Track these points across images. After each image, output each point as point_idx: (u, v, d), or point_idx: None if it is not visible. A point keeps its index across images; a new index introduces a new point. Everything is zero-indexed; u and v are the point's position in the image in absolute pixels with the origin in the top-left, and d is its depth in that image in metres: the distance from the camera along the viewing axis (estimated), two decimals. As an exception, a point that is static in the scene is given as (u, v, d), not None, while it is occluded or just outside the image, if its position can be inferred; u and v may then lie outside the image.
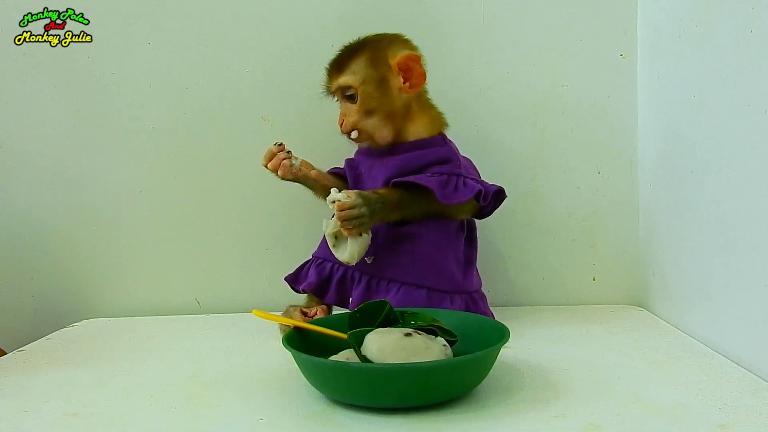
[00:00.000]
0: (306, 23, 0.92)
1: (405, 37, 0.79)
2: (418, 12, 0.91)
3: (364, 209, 0.70)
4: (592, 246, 0.93)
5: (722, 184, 0.68)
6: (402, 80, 0.77)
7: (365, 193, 0.72)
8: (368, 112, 0.77)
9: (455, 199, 0.73)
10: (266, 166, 0.78)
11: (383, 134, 0.78)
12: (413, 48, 0.79)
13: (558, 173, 0.93)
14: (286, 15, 0.92)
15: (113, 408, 0.57)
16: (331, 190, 0.72)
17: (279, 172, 0.78)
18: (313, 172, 0.80)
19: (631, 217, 0.92)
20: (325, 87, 0.80)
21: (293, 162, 0.78)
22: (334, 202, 0.71)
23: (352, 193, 0.71)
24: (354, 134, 0.78)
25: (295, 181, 0.80)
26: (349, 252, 0.73)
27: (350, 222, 0.70)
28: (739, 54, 0.64)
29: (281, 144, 0.79)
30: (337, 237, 0.74)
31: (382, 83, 0.76)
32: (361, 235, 0.72)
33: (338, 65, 0.78)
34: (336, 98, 0.80)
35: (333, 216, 0.72)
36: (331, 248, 0.75)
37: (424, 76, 0.77)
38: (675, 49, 0.80)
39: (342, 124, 0.78)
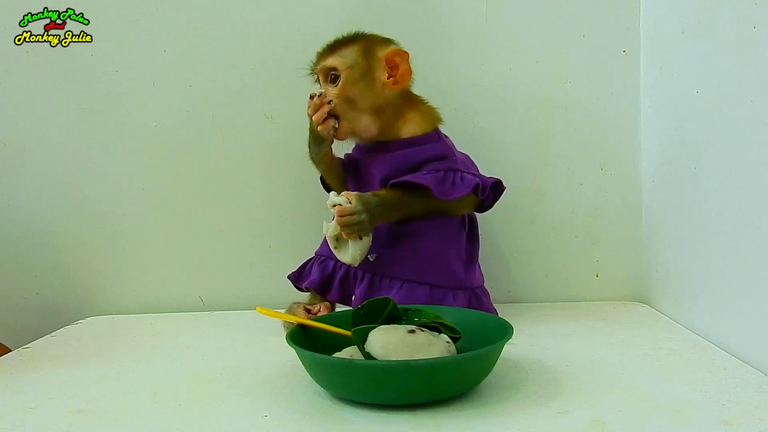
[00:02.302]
0: (309, 20, 0.92)
1: (398, 43, 0.79)
2: (421, 9, 0.91)
3: (363, 215, 0.71)
4: (595, 242, 0.93)
5: (725, 180, 0.68)
6: (387, 75, 0.77)
7: (365, 196, 0.72)
8: (347, 101, 0.76)
9: (453, 195, 0.73)
10: (311, 117, 0.76)
11: (364, 127, 0.77)
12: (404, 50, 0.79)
13: (560, 170, 0.93)
14: (289, 12, 0.92)
15: (118, 405, 0.58)
16: (330, 193, 0.73)
17: (320, 128, 0.76)
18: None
19: (634, 214, 0.92)
20: (311, 67, 0.80)
21: (334, 124, 0.76)
22: (334, 205, 0.71)
23: (352, 196, 0.71)
24: (333, 122, 0.76)
25: (318, 144, 0.78)
26: (351, 254, 0.73)
27: (350, 227, 0.71)
28: (743, 50, 0.64)
29: (330, 101, 0.76)
30: (338, 239, 0.74)
31: (367, 74, 0.77)
32: (361, 238, 0.72)
33: (329, 48, 0.78)
34: (317, 80, 0.80)
35: (333, 218, 0.72)
36: (332, 250, 0.75)
37: (409, 73, 0.78)
38: (678, 46, 0.80)
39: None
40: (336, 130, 0.77)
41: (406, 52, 0.77)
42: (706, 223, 0.72)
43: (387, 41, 0.79)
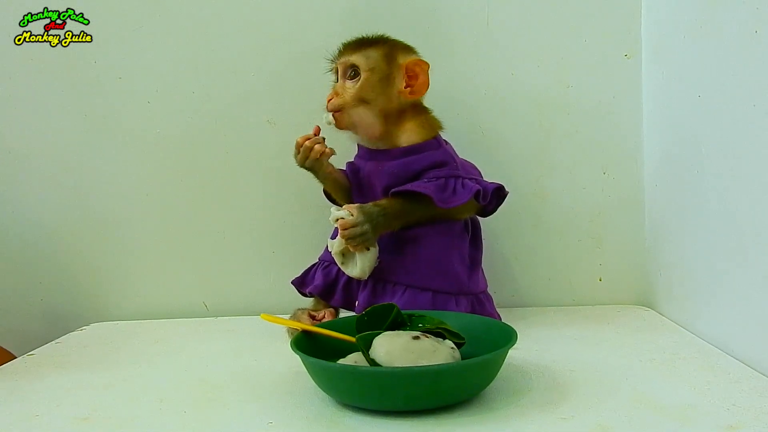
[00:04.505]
0: (311, 27, 0.92)
1: (418, 52, 0.80)
2: (424, 14, 0.92)
3: (366, 226, 0.71)
4: (598, 246, 0.93)
5: (728, 183, 0.68)
6: (404, 84, 0.77)
7: (366, 207, 0.73)
8: (362, 101, 0.77)
9: (453, 202, 0.73)
10: (304, 144, 0.77)
11: (367, 126, 0.78)
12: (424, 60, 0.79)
13: (563, 173, 0.93)
14: (291, 19, 0.92)
15: (123, 411, 0.58)
16: (332, 208, 0.73)
17: (324, 161, 0.77)
18: (330, 167, 0.80)
19: (637, 217, 0.92)
20: (331, 60, 0.80)
21: (327, 151, 0.78)
22: (337, 220, 0.71)
23: (354, 209, 0.72)
24: (329, 117, 0.77)
25: (314, 171, 0.79)
26: (359, 267, 0.73)
27: (355, 240, 0.71)
28: (744, 54, 0.64)
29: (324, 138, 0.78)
30: (345, 254, 0.75)
31: (386, 79, 0.77)
32: (368, 249, 0.73)
33: (355, 45, 0.78)
34: (335, 74, 0.80)
35: (337, 235, 0.72)
36: (340, 266, 0.75)
37: (426, 85, 0.78)
38: (680, 49, 0.80)
39: (330, 100, 0.78)
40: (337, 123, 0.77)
41: (427, 63, 0.78)
42: (710, 226, 0.72)
43: (409, 49, 0.79)
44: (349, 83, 0.77)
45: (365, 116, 0.77)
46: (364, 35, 0.79)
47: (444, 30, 0.92)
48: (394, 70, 0.77)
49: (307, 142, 0.77)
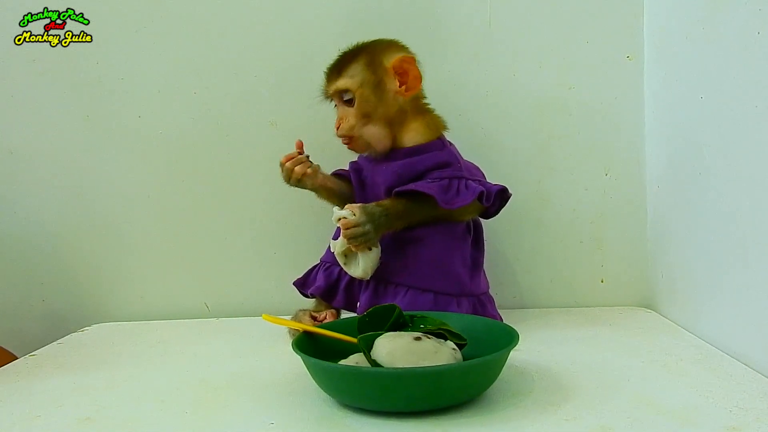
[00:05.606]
0: (313, 28, 0.92)
1: (402, 43, 0.79)
2: (425, 16, 0.92)
3: (368, 226, 0.71)
4: (599, 248, 0.93)
5: (730, 184, 0.68)
6: (398, 83, 0.77)
7: (369, 207, 0.73)
8: (366, 117, 0.77)
9: (457, 203, 0.73)
10: (285, 165, 0.78)
11: (379, 141, 0.77)
12: (409, 52, 0.79)
13: (565, 175, 0.93)
14: (293, 20, 0.93)
15: (125, 412, 0.58)
16: (334, 208, 0.73)
17: (307, 180, 0.78)
18: (319, 177, 0.80)
19: (638, 219, 0.92)
20: (323, 91, 0.80)
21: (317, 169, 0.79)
22: (339, 220, 0.71)
23: (356, 209, 0.72)
24: (345, 139, 0.78)
25: (301, 187, 0.80)
26: (362, 268, 0.73)
27: (357, 239, 0.71)
28: (746, 55, 0.64)
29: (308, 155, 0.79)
30: (347, 255, 0.75)
31: (378, 86, 0.77)
32: (370, 249, 0.73)
33: (336, 69, 0.78)
34: (333, 102, 0.80)
35: (339, 236, 0.72)
36: (342, 266, 0.75)
37: (419, 78, 0.77)
38: (682, 51, 0.80)
39: (338, 127, 0.78)
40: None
41: (412, 56, 0.77)
42: (712, 227, 0.72)
43: (390, 46, 0.79)
44: (348, 108, 0.77)
45: (375, 132, 0.77)
46: (341, 52, 0.79)
47: (445, 31, 0.92)
48: (382, 75, 0.77)
49: (288, 164, 0.78)
